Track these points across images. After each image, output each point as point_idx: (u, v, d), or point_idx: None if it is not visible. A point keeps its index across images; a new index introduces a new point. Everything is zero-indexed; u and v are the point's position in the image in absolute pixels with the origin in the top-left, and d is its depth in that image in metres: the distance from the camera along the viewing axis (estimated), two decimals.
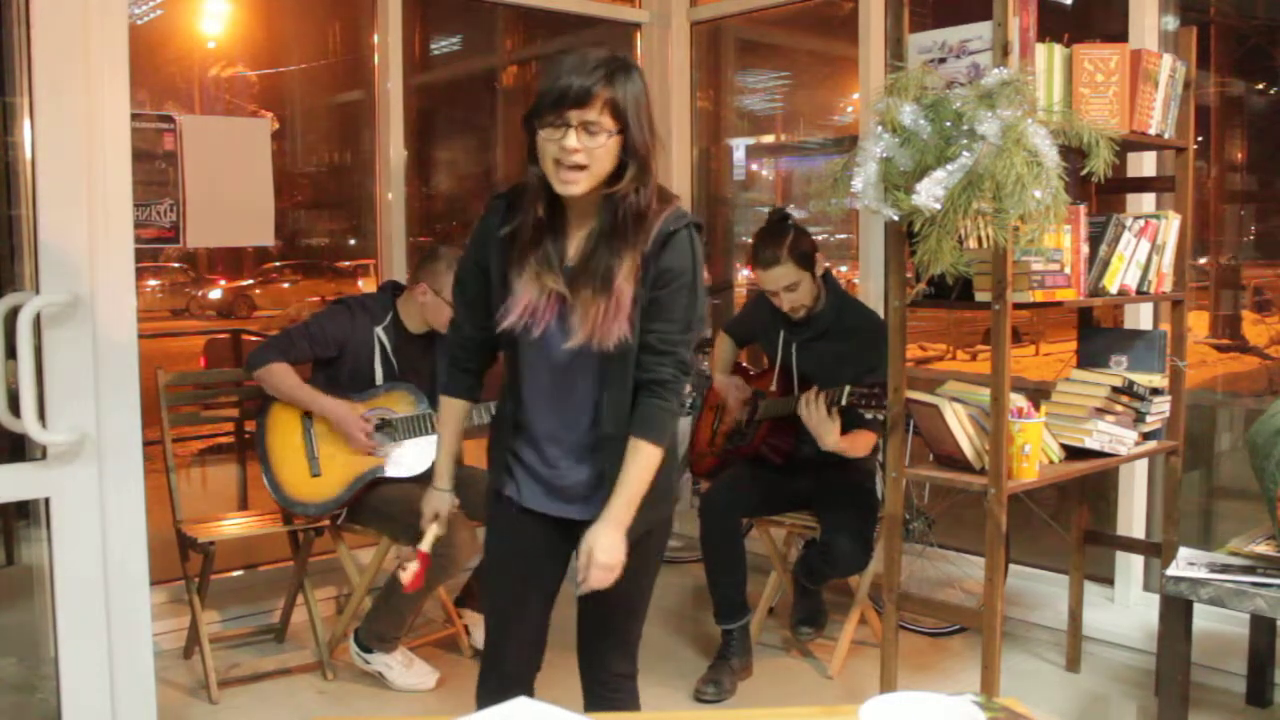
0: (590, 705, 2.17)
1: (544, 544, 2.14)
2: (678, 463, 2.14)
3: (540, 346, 1.99)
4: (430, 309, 3.36)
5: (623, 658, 2.19)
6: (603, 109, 1.84)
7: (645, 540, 2.05)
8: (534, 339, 1.98)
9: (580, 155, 1.85)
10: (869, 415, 3.13)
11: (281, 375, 3.32)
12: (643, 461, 1.97)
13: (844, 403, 3.16)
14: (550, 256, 1.96)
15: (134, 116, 2.27)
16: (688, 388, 4.48)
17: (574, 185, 1.87)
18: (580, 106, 1.83)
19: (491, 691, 2.16)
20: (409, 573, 2.19)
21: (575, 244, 1.98)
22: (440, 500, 2.22)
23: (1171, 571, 2.73)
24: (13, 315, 2.05)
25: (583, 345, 1.93)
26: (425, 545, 2.22)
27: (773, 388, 3.53)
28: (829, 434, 3.20)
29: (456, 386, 2.19)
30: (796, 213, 4.39)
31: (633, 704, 2.21)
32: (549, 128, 1.86)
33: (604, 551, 1.95)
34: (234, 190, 3.75)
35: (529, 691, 2.18)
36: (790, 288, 3.31)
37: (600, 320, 1.90)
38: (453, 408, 2.19)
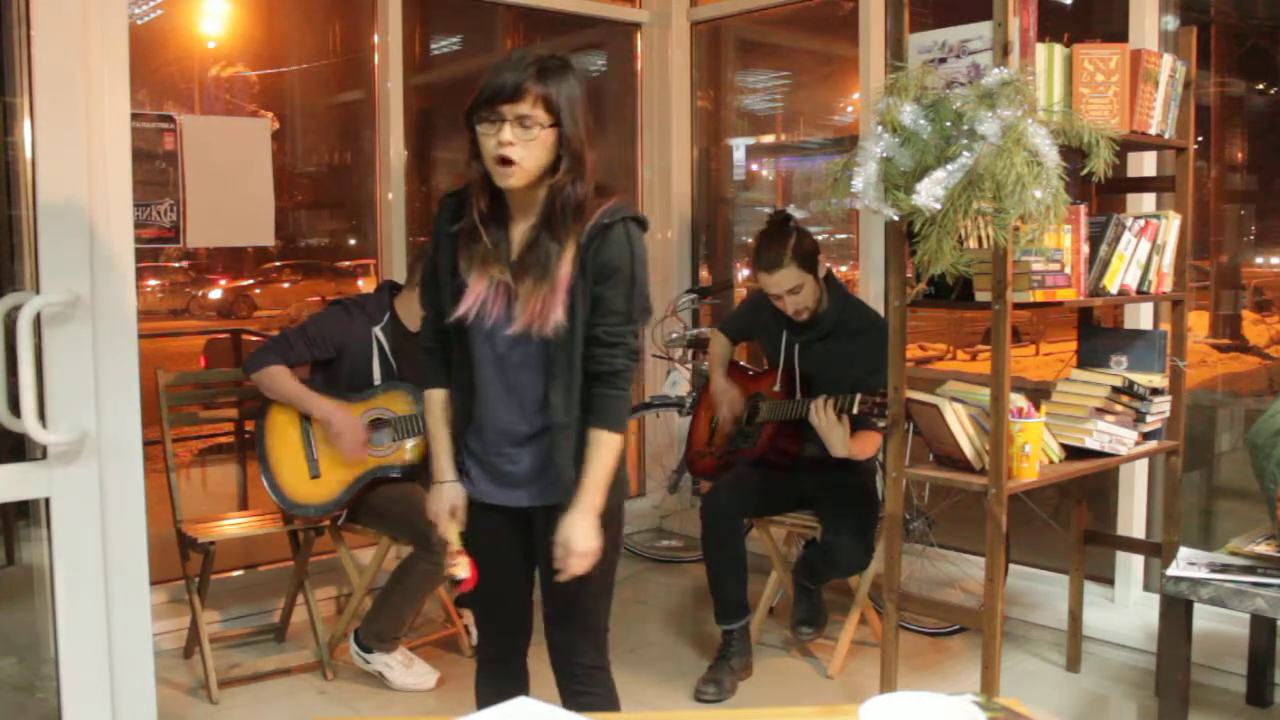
0: (566, 701, 2.20)
1: (502, 535, 2.20)
2: (624, 464, 2.19)
3: (491, 337, 2.07)
4: (413, 302, 3.38)
5: (589, 648, 2.22)
6: (535, 103, 1.93)
7: (603, 522, 2.09)
8: (485, 330, 2.06)
9: (515, 149, 1.93)
10: (880, 424, 3.12)
11: (279, 378, 3.32)
12: (605, 450, 2.06)
13: (854, 410, 3.15)
14: (495, 248, 2.04)
15: (134, 116, 2.28)
16: (686, 387, 4.50)
17: (510, 178, 1.96)
18: (513, 101, 1.92)
19: (491, 682, 2.29)
20: (461, 567, 2.14)
21: (519, 236, 2.06)
22: (452, 493, 2.20)
23: (1171, 571, 2.74)
24: (13, 315, 2.05)
25: (523, 332, 2.02)
26: (456, 544, 2.17)
27: (775, 389, 3.53)
28: (840, 441, 3.21)
29: (435, 379, 2.22)
30: (797, 213, 4.40)
31: (609, 698, 2.24)
32: (485, 123, 1.95)
33: (580, 539, 2.04)
34: (234, 190, 3.75)
35: (522, 670, 2.31)
36: (794, 290, 3.30)
37: (540, 309, 1.99)
38: (438, 398, 2.22)
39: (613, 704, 2.25)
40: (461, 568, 2.14)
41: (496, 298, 2.04)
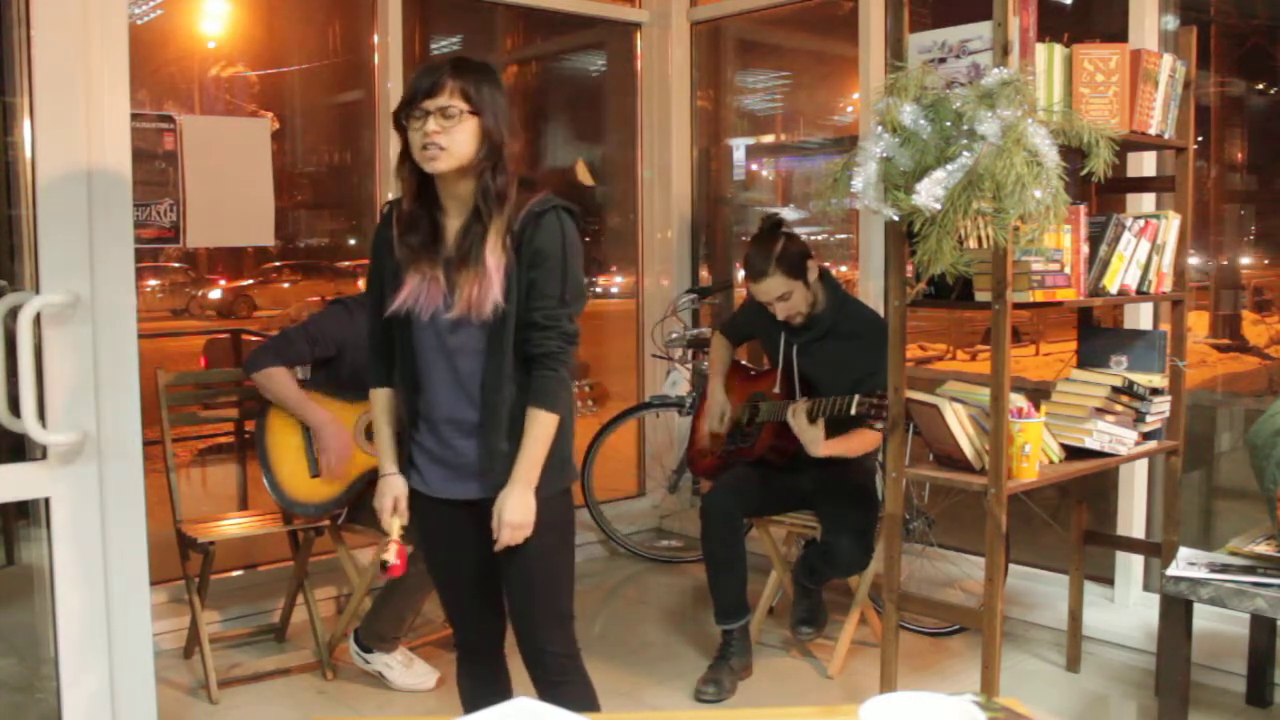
0: (541, 692, 2.22)
1: (457, 528, 2.26)
2: (572, 438, 2.27)
3: (431, 329, 2.15)
4: None
5: (556, 636, 2.25)
6: (453, 94, 2.06)
7: (543, 509, 2.16)
8: (426, 320, 2.14)
9: (440, 136, 2.05)
10: (878, 426, 3.13)
11: (278, 381, 3.32)
12: (539, 427, 2.13)
13: (853, 412, 3.16)
14: (428, 243, 2.15)
15: (134, 116, 2.28)
16: (686, 387, 4.50)
17: (436, 161, 2.06)
18: (432, 96, 2.06)
19: (468, 673, 2.39)
20: (391, 554, 2.19)
21: (453, 232, 2.16)
22: (393, 485, 2.27)
23: (1171, 571, 2.74)
24: (13, 315, 2.05)
25: (461, 316, 2.11)
26: (395, 533, 2.23)
27: (775, 390, 3.53)
28: (813, 442, 3.25)
29: (380, 377, 2.29)
30: (796, 213, 4.42)
31: (584, 687, 2.27)
32: (412, 120, 2.08)
33: (511, 511, 2.12)
34: (234, 190, 3.75)
35: (499, 661, 2.37)
36: (783, 297, 3.31)
37: (475, 295, 2.09)
38: (382, 396, 2.30)
39: (588, 693, 2.28)
40: (391, 553, 2.18)
41: (433, 288, 2.13)
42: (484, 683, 2.36)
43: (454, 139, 2.06)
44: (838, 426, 3.30)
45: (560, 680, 2.24)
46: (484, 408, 2.14)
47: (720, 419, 3.66)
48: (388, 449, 2.29)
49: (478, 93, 2.08)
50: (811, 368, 3.45)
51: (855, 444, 3.30)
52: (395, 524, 2.24)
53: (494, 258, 2.09)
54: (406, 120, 2.09)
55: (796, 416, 3.27)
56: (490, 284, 2.08)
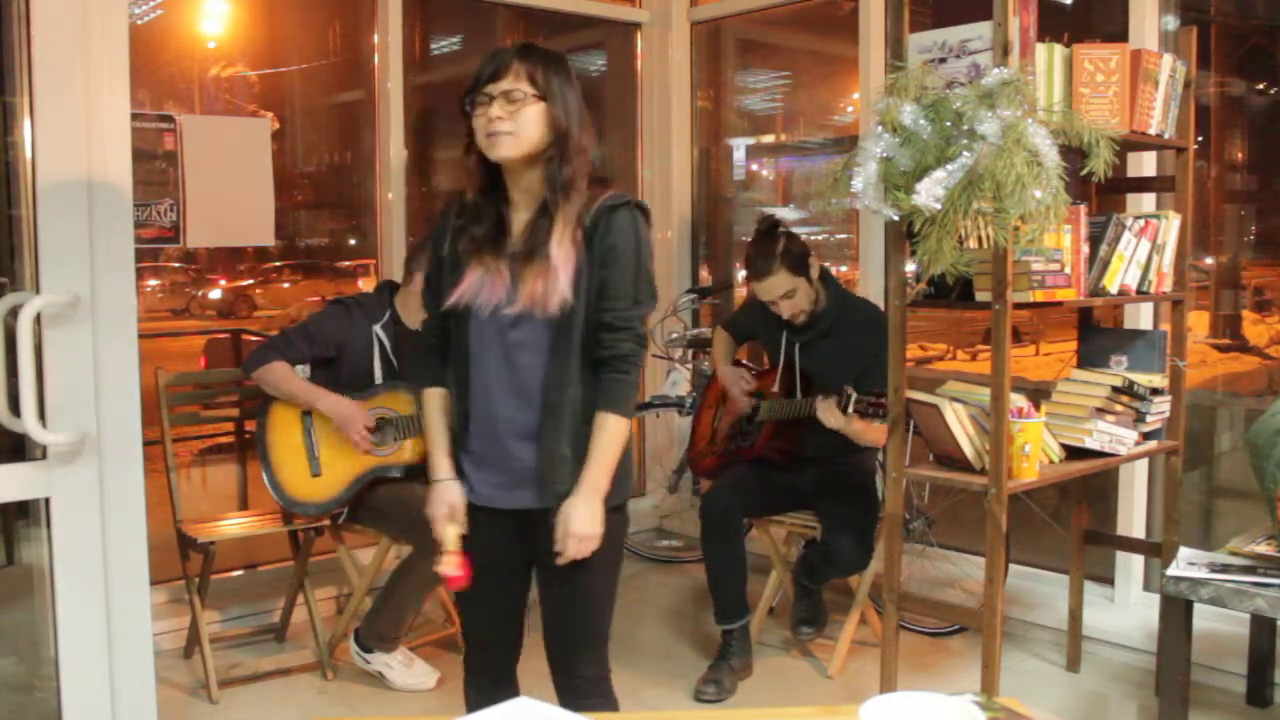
0: (564, 704, 2.12)
1: (498, 542, 2.14)
2: (630, 458, 2.14)
3: (491, 324, 2.04)
4: (409, 298, 3.39)
5: (591, 660, 2.16)
6: (518, 77, 1.97)
7: (604, 523, 2.04)
8: (486, 315, 2.04)
9: (504, 122, 1.96)
10: (877, 423, 3.11)
11: (282, 375, 3.32)
12: (610, 433, 2.03)
13: (850, 410, 3.14)
14: (492, 237, 2.05)
15: (134, 116, 2.28)
16: (686, 387, 4.49)
17: (500, 147, 1.97)
18: (496, 80, 1.97)
19: (476, 690, 2.22)
20: (450, 566, 2.07)
21: (519, 225, 2.06)
22: (449, 491, 2.12)
23: (1171, 571, 2.74)
24: (13, 315, 2.05)
25: (524, 312, 2.01)
26: (453, 544, 2.09)
27: (775, 388, 3.53)
28: (857, 433, 3.17)
29: (433, 376, 2.19)
30: (797, 213, 4.42)
31: (606, 703, 2.18)
32: (477, 107, 1.99)
33: (579, 521, 2.01)
34: (234, 190, 3.75)
35: (512, 683, 2.23)
36: (787, 295, 3.31)
37: (539, 290, 1.99)
38: (436, 396, 2.19)
39: (609, 706, 2.20)
40: (449, 566, 2.07)
41: (495, 282, 2.03)
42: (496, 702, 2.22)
43: (519, 124, 1.96)
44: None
45: (586, 700, 2.13)
46: (545, 410, 2.03)
47: (739, 389, 3.61)
48: (442, 451, 2.14)
49: (545, 78, 1.98)
50: (813, 365, 3.45)
51: (881, 435, 3.28)
52: (452, 533, 2.09)
53: (561, 251, 1.99)
54: (471, 106, 2.00)
55: (833, 413, 3.17)
56: (556, 279, 1.98)
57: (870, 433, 3.18)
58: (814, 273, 3.35)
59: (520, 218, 2.06)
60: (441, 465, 2.15)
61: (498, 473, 2.10)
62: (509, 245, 2.05)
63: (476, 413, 2.09)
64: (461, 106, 2.02)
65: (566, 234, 2.00)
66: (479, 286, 2.04)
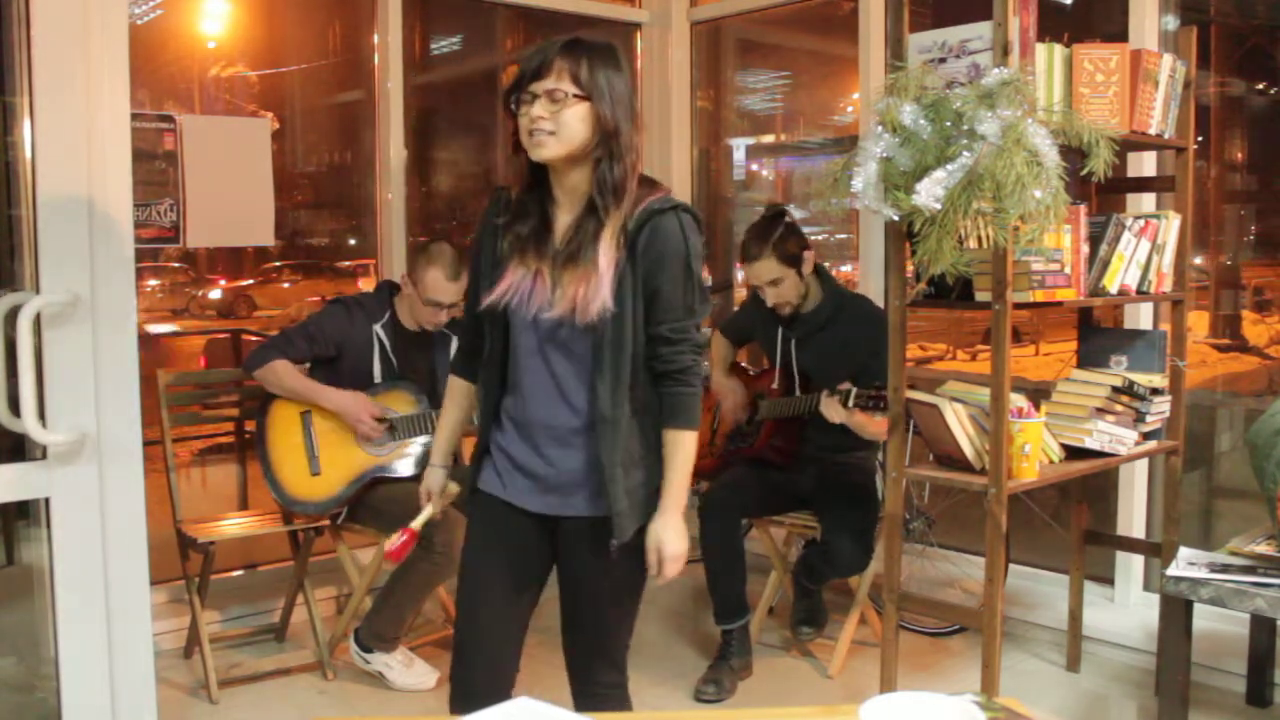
0: (579, 709, 2.11)
1: (527, 540, 2.09)
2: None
3: (532, 329, 2.00)
4: (407, 300, 3.39)
5: (610, 668, 2.13)
6: (560, 76, 1.91)
7: (636, 540, 2.01)
8: (527, 318, 1.99)
9: (546, 121, 1.90)
10: (877, 416, 3.11)
11: (284, 372, 3.33)
12: (686, 451, 2.01)
13: (851, 404, 3.15)
14: (535, 236, 2.00)
15: (134, 116, 2.28)
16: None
17: (542, 148, 1.91)
18: (539, 78, 1.91)
19: (465, 697, 2.05)
20: (392, 541, 2.18)
21: (563, 226, 2.01)
22: (434, 477, 2.23)
23: (1171, 571, 2.74)
24: (13, 315, 2.05)
25: (564, 317, 1.95)
26: (416, 523, 2.22)
27: (774, 386, 3.53)
28: (861, 426, 3.18)
29: (465, 368, 2.20)
30: (797, 212, 4.39)
31: (621, 705, 2.15)
32: (521, 105, 1.93)
33: (673, 542, 1.99)
34: (234, 190, 3.75)
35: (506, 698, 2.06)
36: (774, 283, 3.31)
37: (581, 295, 1.93)
38: (458, 387, 2.20)
39: (624, 708, 2.17)
40: (392, 540, 2.17)
41: (535, 285, 1.98)
42: None
43: (561, 123, 1.90)
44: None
45: (601, 706, 2.10)
46: (600, 424, 1.96)
47: (731, 401, 3.63)
48: (445, 439, 2.21)
49: (590, 76, 1.91)
50: (810, 362, 3.45)
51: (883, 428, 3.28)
52: (424, 514, 2.21)
53: (606, 257, 1.93)
54: (516, 105, 1.94)
55: (836, 408, 3.17)
56: (600, 285, 1.92)
57: (873, 425, 3.18)
58: (806, 268, 3.35)
59: (564, 218, 2.01)
60: (440, 451, 2.23)
61: (529, 476, 2.06)
62: (552, 245, 1.99)
63: (516, 414, 2.05)
64: (506, 104, 1.96)
65: (612, 238, 1.94)
66: (520, 288, 1.99)
